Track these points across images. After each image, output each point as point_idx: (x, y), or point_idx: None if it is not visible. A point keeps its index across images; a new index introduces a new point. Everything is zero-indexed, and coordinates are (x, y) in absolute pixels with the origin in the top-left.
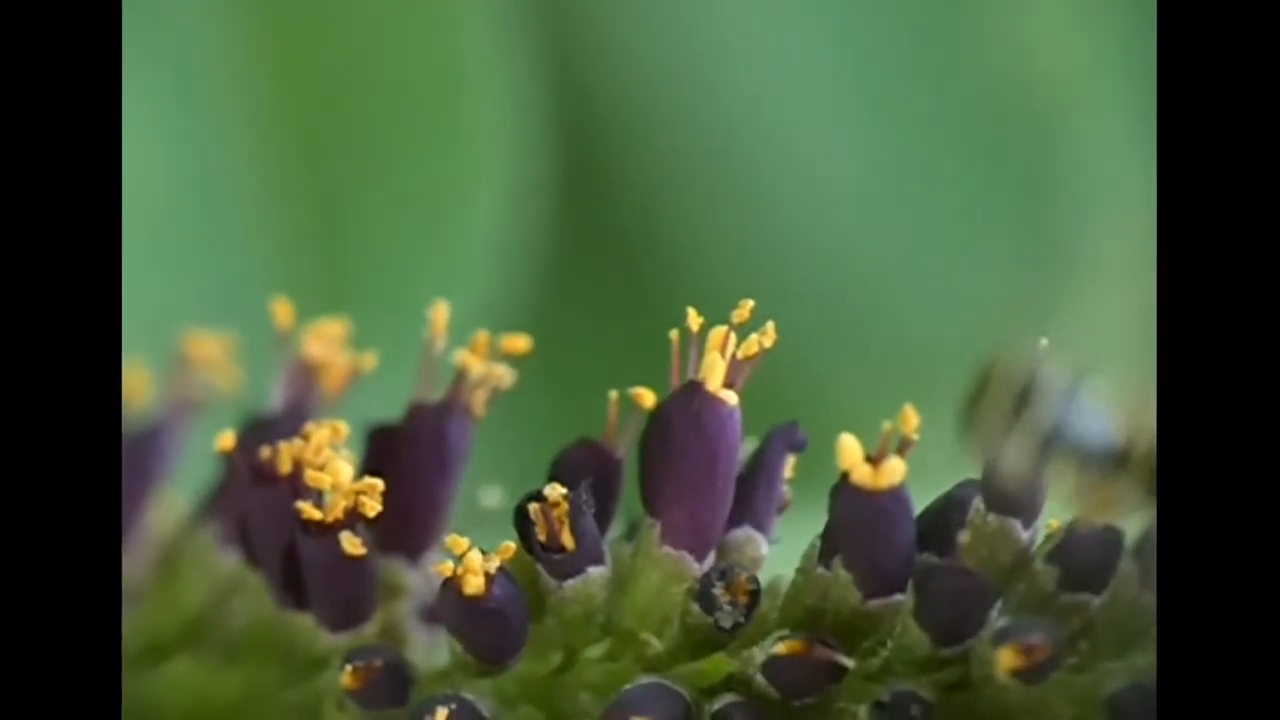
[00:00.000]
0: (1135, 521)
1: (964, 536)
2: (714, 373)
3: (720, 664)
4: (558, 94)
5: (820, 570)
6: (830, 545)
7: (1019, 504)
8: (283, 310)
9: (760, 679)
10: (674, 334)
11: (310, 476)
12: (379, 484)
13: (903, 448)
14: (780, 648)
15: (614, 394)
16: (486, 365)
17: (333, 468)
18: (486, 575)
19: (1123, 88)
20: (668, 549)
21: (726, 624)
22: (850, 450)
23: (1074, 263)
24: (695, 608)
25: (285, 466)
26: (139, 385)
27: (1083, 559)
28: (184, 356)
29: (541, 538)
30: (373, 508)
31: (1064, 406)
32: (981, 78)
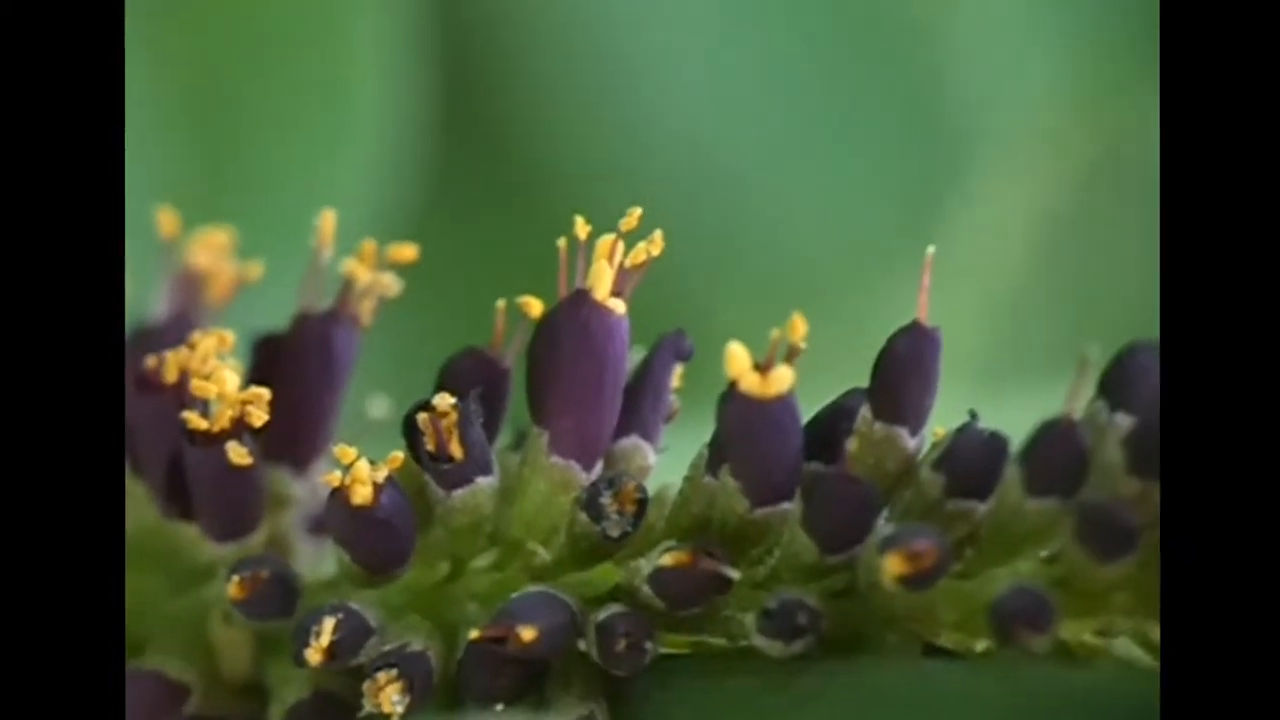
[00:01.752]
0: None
1: (851, 444)
2: (601, 281)
3: (607, 574)
4: (440, 3)
5: (708, 479)
6: (718, 454)
7: None
8: (167, 219)
9: (646, 590)
10: (561, 242)
11: (196, 386)
12: (265, 393)
13: (790, 356)
14: (666, 559)
15: (501, 302)
16: (373, 274)
17: (219, 377)
18: (374, 485)
19: None
20: (555, 458)
21: (614, 533)
22: (738, 358)
23: (960, 170)
24: (583, 517)
25: (171, 376)
26: None
27: (968, 466)
28: None
29: (430, 447)
30: (259, 417)
31: None
32: None
